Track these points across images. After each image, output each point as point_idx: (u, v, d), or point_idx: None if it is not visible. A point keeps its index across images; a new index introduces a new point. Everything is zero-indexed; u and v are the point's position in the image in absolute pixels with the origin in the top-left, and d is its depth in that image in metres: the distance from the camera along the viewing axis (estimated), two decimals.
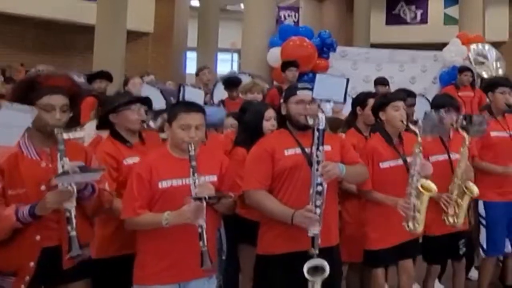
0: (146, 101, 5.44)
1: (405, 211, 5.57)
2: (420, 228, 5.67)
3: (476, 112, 10.19)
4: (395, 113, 5.87)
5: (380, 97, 6.25)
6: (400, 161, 5.86)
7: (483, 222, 7.05)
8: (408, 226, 5.63)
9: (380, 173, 5.77)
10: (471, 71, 13.27)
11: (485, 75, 13.82)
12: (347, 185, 5.88)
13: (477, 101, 12.23)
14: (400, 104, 5.93)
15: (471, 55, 14.11)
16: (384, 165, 5.81)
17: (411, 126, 5.83)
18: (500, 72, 14.20)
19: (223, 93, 10.58)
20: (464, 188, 6.20)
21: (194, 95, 5.98)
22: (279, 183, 4.91)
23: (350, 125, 6.63)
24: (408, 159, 5.79)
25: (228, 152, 5.86)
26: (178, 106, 4.86)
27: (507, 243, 7.14)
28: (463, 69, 13.22)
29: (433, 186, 5.65)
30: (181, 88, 6.33)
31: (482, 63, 14.25)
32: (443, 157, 6.32)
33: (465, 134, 6.29)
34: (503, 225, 7.00)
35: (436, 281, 7.44)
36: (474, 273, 7.84)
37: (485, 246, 7.06)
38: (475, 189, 6.20)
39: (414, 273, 6.32)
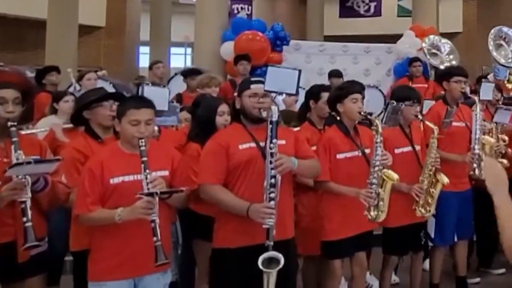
0: (119, 97, 5.42)
1: (368, 200, 5.67)
2: (382, 216, 5.83)
3: None
4: (354, 105, 5.95)
5: (337, 89, 6.31)
6: (357, 152, 5.96)
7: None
8: (370, 215, 5.76)
9: (336, 164, 5.85)
10: (421, 61, 13.39)
11: (441, 67, 13.93)
12: (302, 178, 5.91)
13: (431, 92, 12.34)
14: (358, 96, 6.01)
15: (425, 45, 14.19)
16: (340, 156, 5.88)
17: (372, 117, 5.91)
18: (454, 63, 14.32)
19: (179, 87, 10.59)
20: (435, 178, 6.36)
21: (155, 93, 5.80)
22: (234, 177, 4.94)
23: (303, 118, 6.65)
24: (367, 151, 5.90)
25: (182, 147, 5.86)
26: (127, 102, 4.88)
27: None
28: (412, 61, 13.36)
29: (395, 175, 5.84)
30: (140, 88, 6.12)
31: (435, 54, 14.37)
32: (407, 149, 6.46)
33: (433, 126, 6.40)
34: (454, 214, 7.08)
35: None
36: (427, 264, 7.88)
37: (433, 235, 7.10)
38: (445, 179, 6.39)
39: (367, 265, 6.39)
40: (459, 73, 7.24)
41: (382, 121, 5.97)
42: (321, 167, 5.51)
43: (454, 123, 7.06)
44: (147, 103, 4.81)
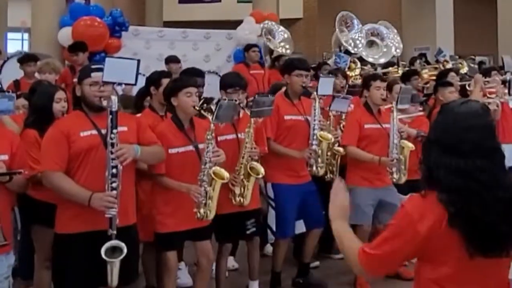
0: None
1: (198, 197, 5.65)
2: (211, 215, 5.77)
3: (267, 89, 10.43)
4: (188, 99, 5.89)
5: (172, 82, 6.25)
6: (190, 147, 5.91)
7: (272, 203, 7.14)
8: (199, 212, 5.72)
9: (169, 159, 5.75)
10: (258, 47, 13.59)
11: (278, 50, 14.22)
12: (142, 165, 5.90)
13: (268, 79, 12.56)
14: (193, 90, 5.95)
15: (262, 32, 14.41)
16: (172, 151, 5.83)
17: (204, 113, 5.91)
18: (288, 51, 14.65)
19: (14, 73, 10.43)
20: (249, 169, 6.36)
21: None
22: (75, 165, 4.97)
23: (141, 105, 6.66)
24: (200, 146, 5.84)
25: (20, 134, 5.80)
26: None
27: (302, 223, 7.23)
28: (250, 46, 13.49)
29: (225, 173, 5.75)
30: None
31: (270, 40, 14.69)
32: (231, 136, 6.45)
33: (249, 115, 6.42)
34: (293, 207, 7.09)
35: (231, 258, 7.60)
36: (269, 249, 8.01)
37: (274, 228, 7.14)
38: (261, 170, 6.37)
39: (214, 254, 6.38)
40: (300, 67, 7.17)
41: (213, 117, 5.81)
42: None
43: (293, 117, 7.07)
44: None
